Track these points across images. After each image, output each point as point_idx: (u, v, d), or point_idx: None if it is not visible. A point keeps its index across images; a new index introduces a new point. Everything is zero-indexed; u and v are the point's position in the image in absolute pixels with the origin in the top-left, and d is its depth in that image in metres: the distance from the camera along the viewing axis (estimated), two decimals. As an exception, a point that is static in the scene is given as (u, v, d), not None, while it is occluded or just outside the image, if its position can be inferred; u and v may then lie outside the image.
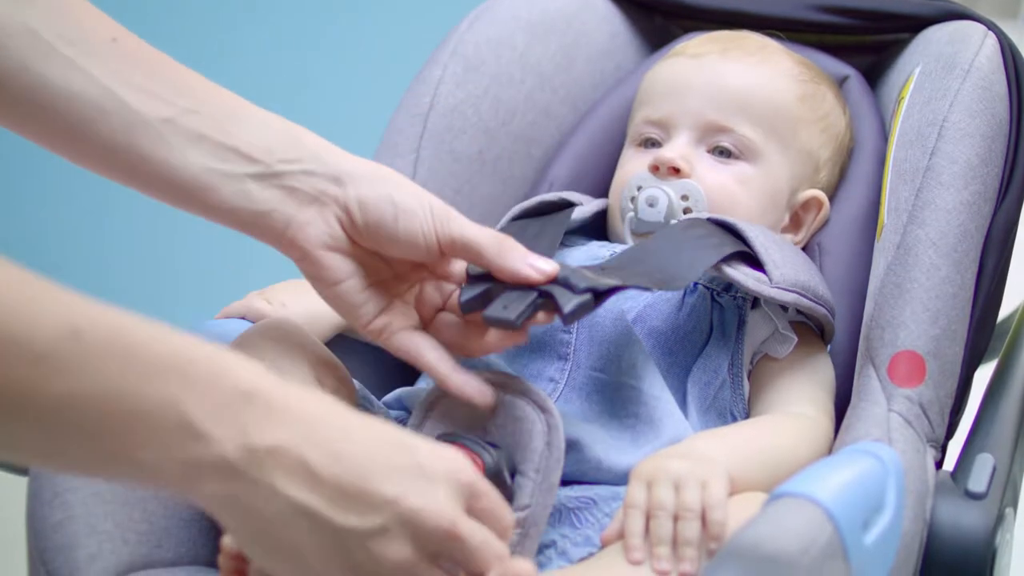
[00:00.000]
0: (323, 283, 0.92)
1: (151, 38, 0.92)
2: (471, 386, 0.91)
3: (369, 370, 1.13)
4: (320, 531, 0.73)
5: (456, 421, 0.94)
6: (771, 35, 1.25)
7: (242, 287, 1.14)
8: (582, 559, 0.91)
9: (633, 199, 1.13)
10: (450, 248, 0.91)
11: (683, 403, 1.02)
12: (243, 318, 1.08)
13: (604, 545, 0.87)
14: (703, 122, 1.14)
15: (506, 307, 0.88)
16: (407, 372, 1.13)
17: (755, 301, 1.07)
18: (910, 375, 0.99)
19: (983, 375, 1.10)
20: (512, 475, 0.90)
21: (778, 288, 1.01)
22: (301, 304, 1.08)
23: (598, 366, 1.02)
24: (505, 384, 0.93)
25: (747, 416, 1.05)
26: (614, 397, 1.00)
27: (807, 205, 1.17)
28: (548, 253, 1.07)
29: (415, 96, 1.25)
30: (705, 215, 1.09)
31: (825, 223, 1.18)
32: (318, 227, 0.91)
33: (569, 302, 0.88)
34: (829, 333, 1.08)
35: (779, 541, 0.75)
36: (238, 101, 0.92)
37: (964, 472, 0.97)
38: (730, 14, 1.31)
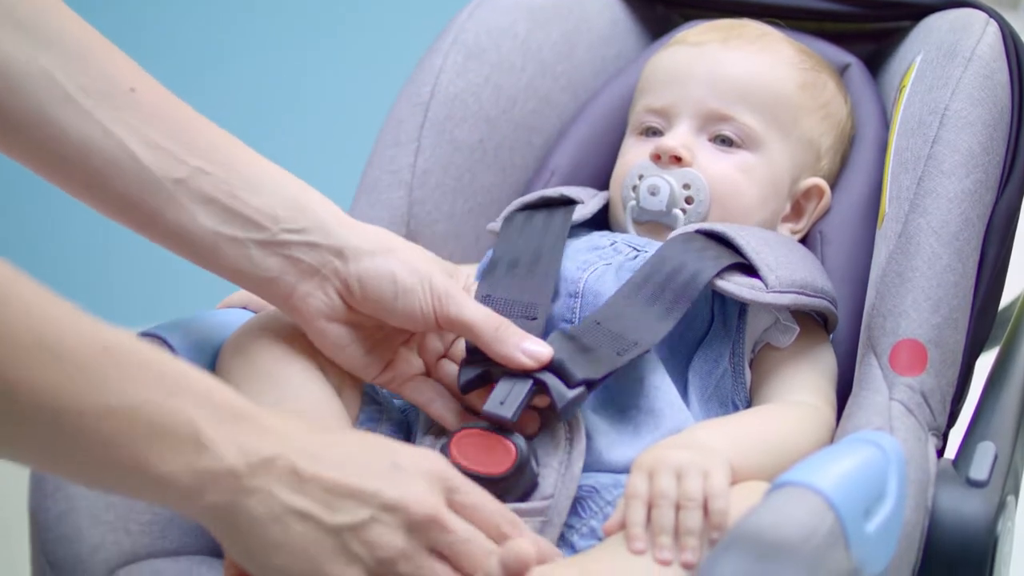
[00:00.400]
0: (327, 349, 0.96)
1: (152, 37, 0.92)
2: None
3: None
4: (315, 531, 0.77)
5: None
6: (772, 23, 1.24)
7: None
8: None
9: (635, 188, 1.13)
10: (447, 326, 0.95)
11: (684, 393, 1.02)
12: (244, 308, 1.08)
13: (607, 535, 0.88)
14: (704, 111, 1.14)
15: (503, 402, 0.93)
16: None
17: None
18: (912, 363, 0.99)
19: (984, 363, 1.10)
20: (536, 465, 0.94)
21: (774, 292, 1.01)
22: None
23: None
24: None
25: (749, 405, 1.05)
26: (616, 388, 1.00)
27: (808, 193, 1.17)
28: (556, 247, 1.08)
29: (416, 85, 1.25)
30: (694, 227, 1.09)
31: (827, 212, 1.18)
32: (318, 299, 0.94)
33: (563, 399, 0.93)
34: (832, 323, 1.08)
35: (781, 530, 0.75)
36: (251, 157, 0.94)
37: (965, 460, 0.98)
38: (731, 2, 1.31)
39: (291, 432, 0.79)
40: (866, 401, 0.99)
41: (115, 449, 0.71)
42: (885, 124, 1.22)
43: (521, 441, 0.92)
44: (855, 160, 1.21)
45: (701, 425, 0.97)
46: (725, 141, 1.14)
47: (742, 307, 1.05)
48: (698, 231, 1.08)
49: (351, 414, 0.98)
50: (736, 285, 1.02)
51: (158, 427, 0.71)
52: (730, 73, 1.15)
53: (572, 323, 1.05)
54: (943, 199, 1.02)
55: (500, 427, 0.93)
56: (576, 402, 0.93)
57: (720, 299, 1.05)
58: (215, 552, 0.95)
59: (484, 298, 1.03)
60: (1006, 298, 1.14)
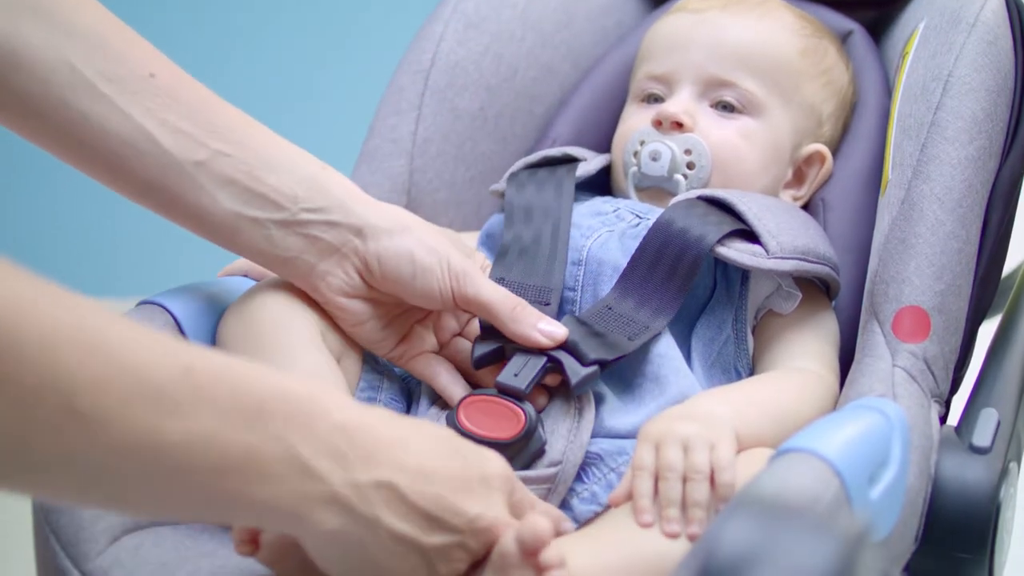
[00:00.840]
0: (345, 324, 0.97)
1: (156, 35, 0.92)
2: None
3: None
4: (413, 553, 0.77)
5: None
6: (773, -11, 1.24)
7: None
8: (587, 519, 0.92)
9: (636, 154, 1.13)
10: (465, 305, 0.96)
11: (688, 359, 1.02)
12: (245, 276, 1.08)
13: (612, 506, 0.88)
14: (705, 76, 1.13)
15: (517, 375, 0.95)
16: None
17: (759, 257, 1.06)
18: (914, 330, 0.99)
19: (987, 330, 1.10)
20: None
21: (776, 259, 1.01)
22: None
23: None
24: None
25: (752, 372, 1.05)
26: (621, 355, 1.00)
27: (810, 159, 1.17)
28: (563, 207, 1.08)
29: (416, 53, 1.24)
30: (695, 193, 1.08)
31: (828, 178, 1.17)
32: (337, 276, 0.95)
33: (577, 375, 0.94)
34: (834, 290, 1.08)
35: (785, 496, 0.75)
36: (269, 138, 0.95)
37: (968, 427, 0.98)
38: (732, -31, 1.30)
39: (392, 440, 0.76)
40: (869, 368, 0.99)
41: (218, 479, 0.68)
42: (887, 91, 1.21)
43: (530, 408, 0.93)
44: (857, 127, 1.20)
45: (705, 394, 0.97)
46: (726, 107, 1.13)
47: (744, 274, 1.05)
48: (700, 197, 1.07)
49: (351, 381, 0.99)
50: (737, 252, 1.02)
51: (250, 452, 0.69)
52: (731, 39, 1.14)
53: (575, 291, 1.05)
54: (946, 165, 1.02)
55: (509, 396, 0.94)
56: (589, 379, 0.95)
57: (722, 266, 1.05)
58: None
59: (498, 281, 1.04)
60: (1009, 265, 1.14)
